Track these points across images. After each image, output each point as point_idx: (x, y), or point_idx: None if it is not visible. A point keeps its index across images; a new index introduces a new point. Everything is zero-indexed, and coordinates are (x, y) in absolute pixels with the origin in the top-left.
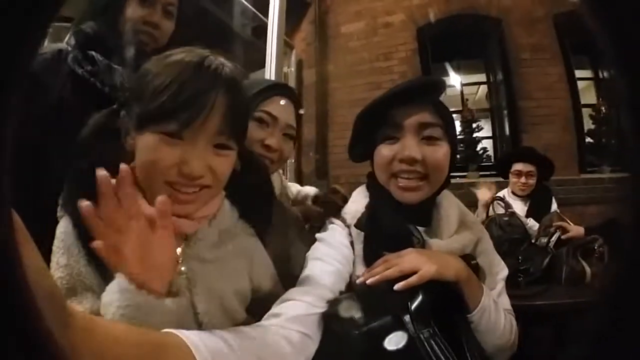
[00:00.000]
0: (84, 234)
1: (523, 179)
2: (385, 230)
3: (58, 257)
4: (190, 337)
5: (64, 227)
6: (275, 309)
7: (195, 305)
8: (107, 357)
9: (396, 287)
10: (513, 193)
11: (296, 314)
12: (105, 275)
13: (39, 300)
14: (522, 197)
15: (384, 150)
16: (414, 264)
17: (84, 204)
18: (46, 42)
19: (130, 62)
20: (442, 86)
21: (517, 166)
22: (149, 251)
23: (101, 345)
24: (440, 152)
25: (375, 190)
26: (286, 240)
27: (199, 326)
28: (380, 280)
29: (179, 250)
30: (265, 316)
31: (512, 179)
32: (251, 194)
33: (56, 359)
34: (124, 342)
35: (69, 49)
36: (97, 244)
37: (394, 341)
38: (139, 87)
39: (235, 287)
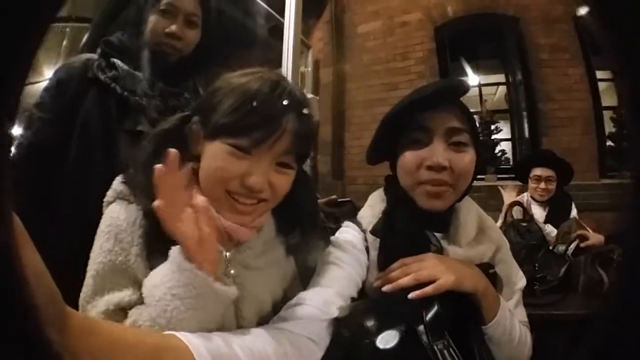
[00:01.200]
0: (148, 224)
1: (542, 185)
2: (403, 237)
3: (102, 241)
4: (192, 340)
5: (115, 212)
6: (282, 313)
7: (240, 307)
8: (105, 357)
9: (410, 295)
10: (532, 198)
11: (303, 319)
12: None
13: (38, 302)
14: (542, 203)
15: (411, 156)
16: (432, 272)
17: (159, 166)
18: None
19: (153, 71)
20: (467, 88)
21: (537, 171)
22: (203, 235)
23: (100, 348)
24: (467, 158)
25: (393, 195)
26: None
27: (238, 327)
28: (395, 289)
29: (228, 254)
30: (273, 319)
31: (532, 184)
32: (297, 211)
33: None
34: (122, 344)
35: (95, 57)
36: (159, 202)
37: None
38: (212, 101)
39: (273, 296)
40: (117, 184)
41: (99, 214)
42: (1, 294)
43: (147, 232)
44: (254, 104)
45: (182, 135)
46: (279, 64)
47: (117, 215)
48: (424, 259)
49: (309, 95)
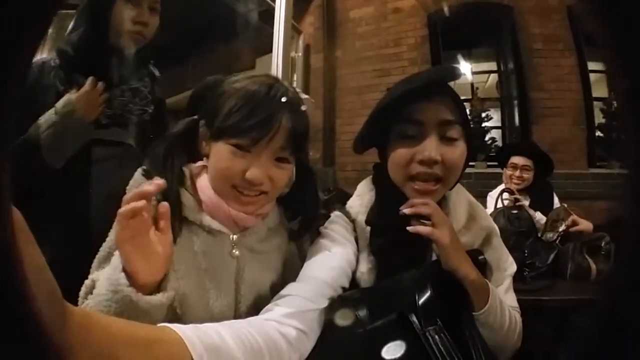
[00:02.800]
0: None
1: (518, 173)
2: (394, 227)
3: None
4: (186, 332)
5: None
6: (273, 304)
7: (239, 286)
8: (104, 353)
9: (409, 228)
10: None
11: (294, 310)
12: None
13: (38, 299)
14: (522, 192)
15: (402, 151)
16: (440, 223)
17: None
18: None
19: (114, 66)
20: (459, 76)
21: (514, 159)
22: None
23: (98, 342)
24: (458, 152)
25: (382, 184)
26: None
27: (236, 311)
28: (411, 211)
29: (235, 237)
30: (263, 310)
31: (507, 172)
32: (299, 200)
33: (56, 359)
34: (120, 338)
35: (52, 63)
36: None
37: (392, 351)
38: (215, 105)
39: (272, 279)
40: (139, 176)
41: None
42: (0, 291)
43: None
44: (251, 106)
45: (191, 137)
46: (269, 48)
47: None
48: (444, 222)
49: (304, 96)
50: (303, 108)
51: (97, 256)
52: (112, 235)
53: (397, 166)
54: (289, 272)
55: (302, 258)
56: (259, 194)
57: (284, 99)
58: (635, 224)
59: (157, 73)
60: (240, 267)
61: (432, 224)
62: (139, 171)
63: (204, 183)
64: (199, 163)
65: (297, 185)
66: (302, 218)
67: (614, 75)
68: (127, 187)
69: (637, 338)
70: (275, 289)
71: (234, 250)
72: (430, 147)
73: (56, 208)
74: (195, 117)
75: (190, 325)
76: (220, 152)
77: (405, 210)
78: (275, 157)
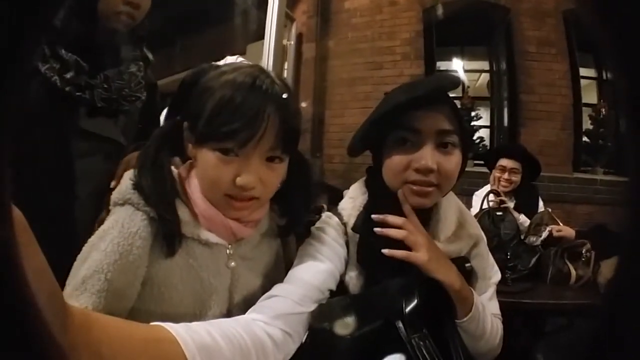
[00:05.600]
0: (152, 229)
1: (506, 175)
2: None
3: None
4: (179, 331)
5: (121, 219)
6: (260, 304)
7: (233, 295)
8: (103, 353)
9: (384, 251)
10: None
11: (281, 312)
12: None
13: (39, 300)
14: (506, 195)
15: (399, 157)
16: (416, 244)
17: None
18: None
19: (115, 45)
20: (459, 85)
21: (503, 162)
22: None
23: (97, 341)
24: (454, 161)
25: (375, 189)
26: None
27: (228, 317)
28: (382, 234)
29: (230, 251)
30: (250, 310)
31: (496, 174)
32: (291, 193)
33: (56, 359)
34: (119, 338)
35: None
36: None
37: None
38: (197, 106)
39: (263, 284)
40: (128, 187)
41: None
42: (1, 291)
43: (151, 237)
44: (235, 106)
45: (176, 137)
46: (261, 35)
47: (122, 223)
48: (422, 233)
49: (303, 104)
50: (291, 101)
51: (76, 264)
52: (97, 256)
53: (393, 172)
54: (276, 273)
55: (287, 255)
56: (249, 199)
57: (269, 94)
58: (636, 232)
59: (150, 56)
60: (235, 277)
61: (408, 246)
62: (129, 184)
63: (195, 192)
64: (186, 164)
65: (290, 178)
66: (291, 215)
67: (614, 76)
68: (113, 199)
69: (636, 345)
70: (265, 292)
71: (229, 262)
72: (427, 156)
73: (39, 206)
74: (178, 118)
75: (182, 324)
76: (207, 160)
77: (377, 231)
78: (266, 157)
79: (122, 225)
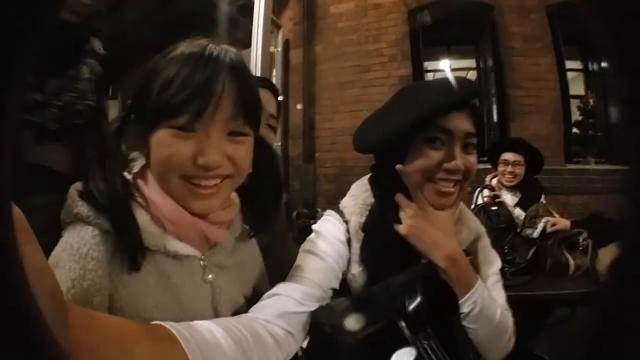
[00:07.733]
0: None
1: (510, 168)
2: (389, 234)
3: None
4: (180, 329)
5: (70, 240)
6: (262, 303)
7: (218, 309)
8: (104, 352)
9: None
10: (501, 184)
11: (282, 311)
12: None
13: (39, 299)
14: (512, 189)
15: (432, 154)
16: (409, 218)
17: None
18: None
19: (64, 39)
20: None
21: (505, 155)
22: None
23: (100, 342)
24: (475, 162)
25: (381, 187)
26: (280, 244)
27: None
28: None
29: (204, 262)
30: (252, 308)
31: (500, 168)
32: (259, 184)
33: (56, 358)
34: (119, 337)
35: None
36: None
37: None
38: (146, 88)
39: (246, 291)
40: (74, 199)
41: None
42: (1, 292)
43: (107, 256)
44: (184, 75)
45: (127, 133)
46: (248, 43)
47: (71, 244)
48: (427, 210)
49: (298, 106)
50: (244, 68)
51: None
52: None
53: (423, 168)
54: (259, 280)
55: (267, 253)
56: (220, 180)
57: (220, 60)
58: (635, 222)
59: (100, 49)
60: (216, 291)
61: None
62: (74, 196)
63: (154, 191)
64: (138, 163)
65: (256, 170)
66: (261, 211)
67: (614, 75)
68: (62, 217)
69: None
70: (250, 299)
71: (206, 275)
72: (458, 157)
73: None
74: (123, 113)
75: (183, 323)
76: (159, 141)
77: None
78: (228, 132)
79: (72, 247)
